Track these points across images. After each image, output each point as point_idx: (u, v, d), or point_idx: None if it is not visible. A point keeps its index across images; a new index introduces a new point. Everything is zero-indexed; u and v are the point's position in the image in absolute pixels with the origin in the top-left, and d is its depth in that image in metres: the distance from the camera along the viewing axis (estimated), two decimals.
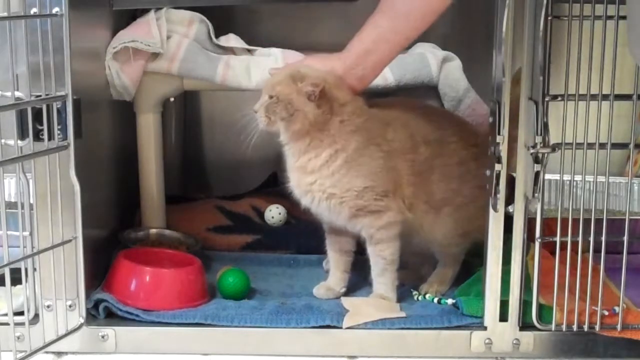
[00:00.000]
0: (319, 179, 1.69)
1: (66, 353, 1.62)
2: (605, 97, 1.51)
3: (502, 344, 1.63)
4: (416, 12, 1.65)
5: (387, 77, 1.95)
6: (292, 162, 1.72)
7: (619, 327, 1.59)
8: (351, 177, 1.68)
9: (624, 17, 1.47)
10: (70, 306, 1.59)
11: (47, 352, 1.57)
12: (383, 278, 1.74)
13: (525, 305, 1.61)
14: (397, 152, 1.70)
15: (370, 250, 1.74)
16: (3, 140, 1.42)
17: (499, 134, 1.53)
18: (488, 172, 1.57)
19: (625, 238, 1.55)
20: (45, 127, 1.48)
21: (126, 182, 2.07)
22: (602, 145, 1.52)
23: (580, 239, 1.54)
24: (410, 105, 1.79)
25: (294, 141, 1.69)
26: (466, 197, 1.75)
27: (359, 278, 1.84)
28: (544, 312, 1.59)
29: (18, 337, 1.48)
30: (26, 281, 1.54)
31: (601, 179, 1.54)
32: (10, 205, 1.49)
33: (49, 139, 1.49)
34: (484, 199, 1.63)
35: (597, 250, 1.55)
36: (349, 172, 1.68)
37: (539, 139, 1.50)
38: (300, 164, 1.70)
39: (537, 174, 1.51)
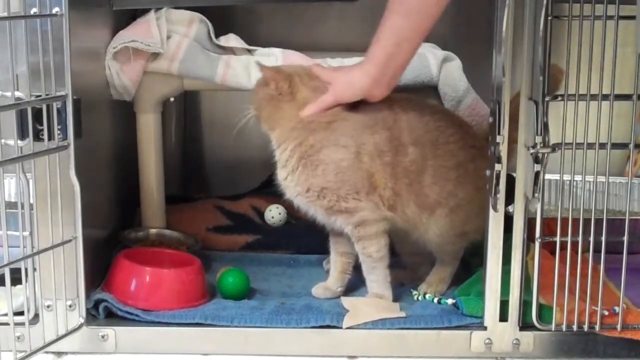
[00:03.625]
0: (289, 174, 1.73)
1: (66, 353, 1.62)
2: (605, 97, 1.51)
3: (502, 344, 1.63)
4: (429, 2, 1.61)
5: None
6: (276, 154, 1.77)
7: (619, 327, 1.59)
8: (308, 176, 1.70)
9: (624, 17, 1.47)
10: (70, 306, 1.59)
11: (47, 352, 1.57)
12: (374, 276, 1.74)
13: (525, 305, 1.61)
14: (372, 155, 1.69)
15: (356, 248, 1.74)
16: (3, 140, 1.42)
17: (499, 134, 1.53)
18: (488, 172, 1.57)
19: (625, 238, 1.55)
20: (45, 127, 1.48)
21: (126, 182, 2.07)
22: (602, 145, 1.52)
23: (580, 239, 1.54)
24: (408, 104, 1.77)
25: (268, 132, 1.76)
26: (462, 199, 1.74)
27: (358, 278, 1.84)
28: (544, 312, 1.59)
29: (18, 337, 1.48)
30: (26, 281, 1.54)
31: (601, 179, 1.54)
32: (10, 205, 1.49)
33: (49, 139, 1.49)
34: (481, 200, 1.63)
35: (597, 250, 1.55)
36: (305, 169, 1.70)
37: (539, 139, 1.50)
38: (277, 157, 1.75)
39: (537, 174, 1.51)
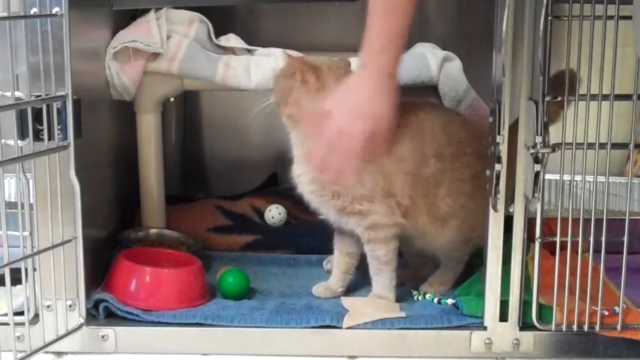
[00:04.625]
0: (304, 172, 1.71)
1: (66, 353, 1.62)
2: (605, 97, 1.51)
3: (502, 344, 1.63)
4: None
5: None
6: (294, 150, 1.74)
7: (619, 327, 1.59)
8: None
9: (624, 17, 1.47)
10: (70, 306, 1.59)
11: (47, 352, 1.57)
12: (379, 277, 1.74)
13: (525, 305, 1.61)
14: (395, 166, 1.68)
15: (365, 248, 1.74)
16: (3, 140, 1.42)
17: (499, 134, 1.53)
18: (488, 172, 1.57)
19: (625, 238, 1.55)
20: (45, 127, 1.48)
21: (126, 182, 2.07)
22: (602, 145, 1.52)
23: (580, 239, 1.54)
24: (434, 114, 1.74)
25: (288, 126, 1.72)
26: (473, 209, 1.72)
27: (359, 278, 1.84)
28: (544, 312, 1.59)
29: (18, 337, 1.48)
30: (26, 281, 1.54)
31: (601, 179, 1.54)
32: (10, 205, 1.49)
33: (49, 139, 1.49)
34: (487, 207, 1.62)
35: (597, 250, 1.55)
36: None
37: (539, 139, 1.50)
38: (296, 152, 1.73)
39: (537, 174, 1.51)
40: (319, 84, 1.68)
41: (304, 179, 1.72)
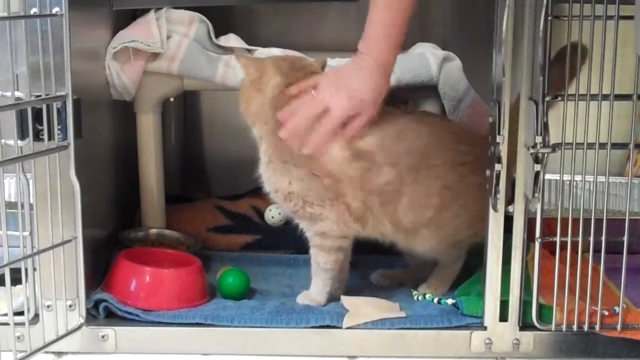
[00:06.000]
0: (262, 172, 1.73)
1: (66, 353, 1.62)
2: (605, 97, 1.51)
3: (502, 344, 1.63)
4: None
5: None
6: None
7: (619, 327, 1.59)
8: (277, 178, 1.70)
9: (624, 17, 1.47)
10: (70, 306, 1.59)
11: (47, 352, 1.57)
12: (314, 279, 1.75)
13: (525, 305, 1.61)
14: (334, 163, 1.66)
15: (310, 251, 1.75)
16: (3, 140, 1.42)
17: (499, 134, 1.53)
18: (488, 172, 1.57)
19: (625, 238, 1.55)
20: (45, 127, 1.48)
21: (126, 182, 2.07)
22: (602, 145, 1.52)
23: (580, 239, 1.54)
24: (392, 122, 1.69)
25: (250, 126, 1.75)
26: (445, 220, 1.69)
27: (359, 278, 1.84)
28: (544, 312, 1.59)
29: (18, 337, 1.48)
30: (26, 281, 1.54)
31: (601, 179, 1.54)
32: (10, 205, 1.49)
33: (49, 139, 1.49)
34: (473, 210, 1.61)
35: (597, 250, 1.55)
36: (274, 173, 1.70)
37: (539, 139, 1.50)
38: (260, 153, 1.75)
39: (537, 174, 1.51)
40: (262, 81, 1.71)
41: (264, 177, 1.74)
